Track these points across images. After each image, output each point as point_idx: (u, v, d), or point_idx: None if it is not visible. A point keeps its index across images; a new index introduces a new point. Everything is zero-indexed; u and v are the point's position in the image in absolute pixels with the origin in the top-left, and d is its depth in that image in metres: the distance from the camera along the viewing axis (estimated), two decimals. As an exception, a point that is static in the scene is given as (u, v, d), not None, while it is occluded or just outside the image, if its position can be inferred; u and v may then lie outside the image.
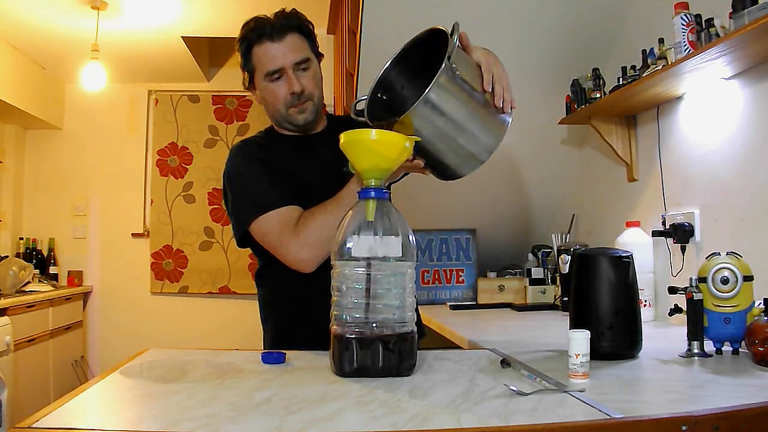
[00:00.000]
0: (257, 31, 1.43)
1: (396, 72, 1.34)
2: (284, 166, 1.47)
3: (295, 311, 1.49)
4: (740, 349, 1.34)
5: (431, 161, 1.26)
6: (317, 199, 1.37)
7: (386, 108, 1.32)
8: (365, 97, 1.31)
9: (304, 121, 1.48)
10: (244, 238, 1.44)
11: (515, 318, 2.26)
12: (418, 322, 1.33)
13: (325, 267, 1.19)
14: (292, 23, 1.44)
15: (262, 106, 1.53)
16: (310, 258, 1.34)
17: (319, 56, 1.53)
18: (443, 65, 1.16)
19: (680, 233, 1.86)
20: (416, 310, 1.18)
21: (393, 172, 1.20)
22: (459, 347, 1.76)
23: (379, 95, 1.32)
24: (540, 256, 2.68)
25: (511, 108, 1.25)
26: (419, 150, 1.21)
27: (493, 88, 1.22)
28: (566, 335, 1.12)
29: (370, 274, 1.08)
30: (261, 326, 1.56)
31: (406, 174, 1.36)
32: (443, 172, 1.30)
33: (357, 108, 1.31)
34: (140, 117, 4.75)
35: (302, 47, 1.45)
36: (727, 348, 1.36)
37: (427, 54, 1.26)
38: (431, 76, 1.16)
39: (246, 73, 1.49)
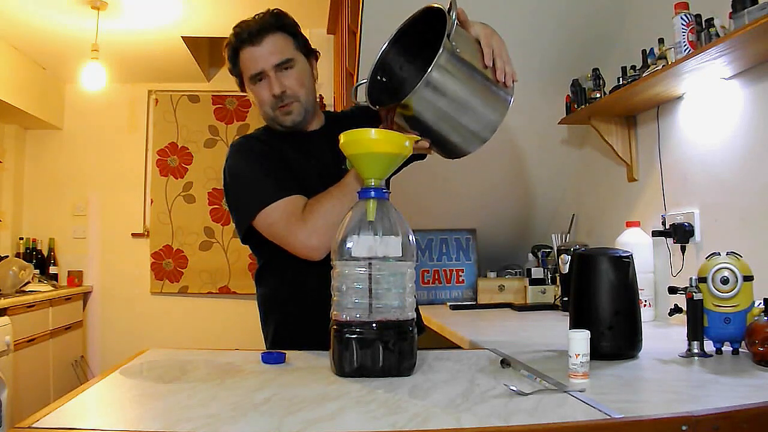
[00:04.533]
0: (239, 36, 1.43)
1: (394, 52, 1.32)
2: (284, 162, 1.47)
3: (295, 311, 1.48)
4: (740, 349, 1.34)
5: (435, 141, 1.25)
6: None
7: (386, 90, 1.30)
8: (365, 81, 1.29)
9: (291, 123, 1.48)
10: (249, 233, 1.43)
11: (515, 318, 2.26)
12: (418, 320, 1.32)
13: (326, 266, 1.19)
14: (271, 24, 1.43)
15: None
16: (319, 244, 1.31)
17: (312, 53, 1.52)
18: (442, 45, 1.13)
19: (680, 233, 1.86)
20: (416, 309, 1.18)
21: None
22: (459, 347, 1.75)
23: (378, 77, 1.30)
24: (540, 256, 2.68)
25: (513, 81, 1.25)
26: (423, 131, 1.20)
27: (494, 63, 1.22)
28: (566, 335, 1.12)
29: (371, 274, 1.08)
30: (261, 326, 1.56)
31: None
32: (447, 150, 1.29)
33: (358, 92, 1.30)
34: (140, 117, 4.75)
35: (283, 48, 1.44)
36: (727, 348, 1.36)
37: (424, 32, 1.24)
38: (430, 54, 1.13)
39: (236, 77, 1.50)
